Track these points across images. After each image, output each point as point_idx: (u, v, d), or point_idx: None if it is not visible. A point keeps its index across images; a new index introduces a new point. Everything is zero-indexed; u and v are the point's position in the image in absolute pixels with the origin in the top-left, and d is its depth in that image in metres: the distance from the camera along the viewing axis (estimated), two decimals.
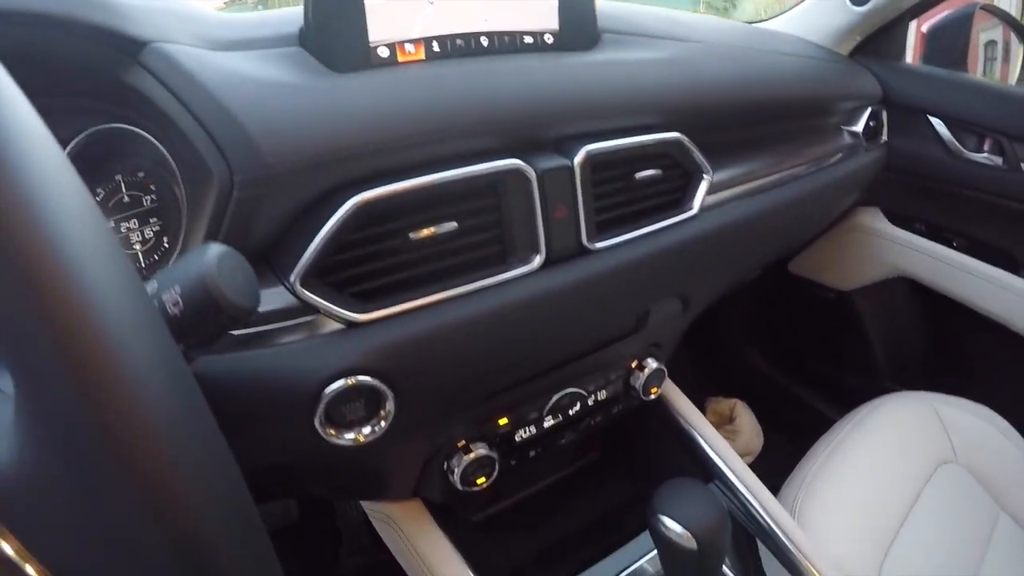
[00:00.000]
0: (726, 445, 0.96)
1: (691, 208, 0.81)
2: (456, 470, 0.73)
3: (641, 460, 0.77)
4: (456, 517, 0.81)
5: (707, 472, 0.94)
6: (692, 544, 0.65)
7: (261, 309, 0.55)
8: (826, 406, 1.67)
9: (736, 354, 1.94)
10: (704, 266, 0.86)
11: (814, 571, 0.88)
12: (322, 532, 1.41)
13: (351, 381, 0.55)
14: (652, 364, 0.86)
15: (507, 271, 0.65)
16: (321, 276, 0.56)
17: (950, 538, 1.12)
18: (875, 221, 1.53)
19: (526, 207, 0.65)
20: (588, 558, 0.85)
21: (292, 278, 0.54)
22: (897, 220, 1.51)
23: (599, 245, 0.71)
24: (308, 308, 0.56)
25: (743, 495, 0.92)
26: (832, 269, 1.66)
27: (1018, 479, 1.24)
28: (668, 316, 0.86)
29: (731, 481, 0.93)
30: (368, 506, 0.83)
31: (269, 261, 0.57)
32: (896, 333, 1.67)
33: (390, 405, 0.59)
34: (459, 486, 0.73)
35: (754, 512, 0.91)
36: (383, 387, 0.58)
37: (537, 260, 0.67)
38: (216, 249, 0.39)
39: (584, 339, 0.77)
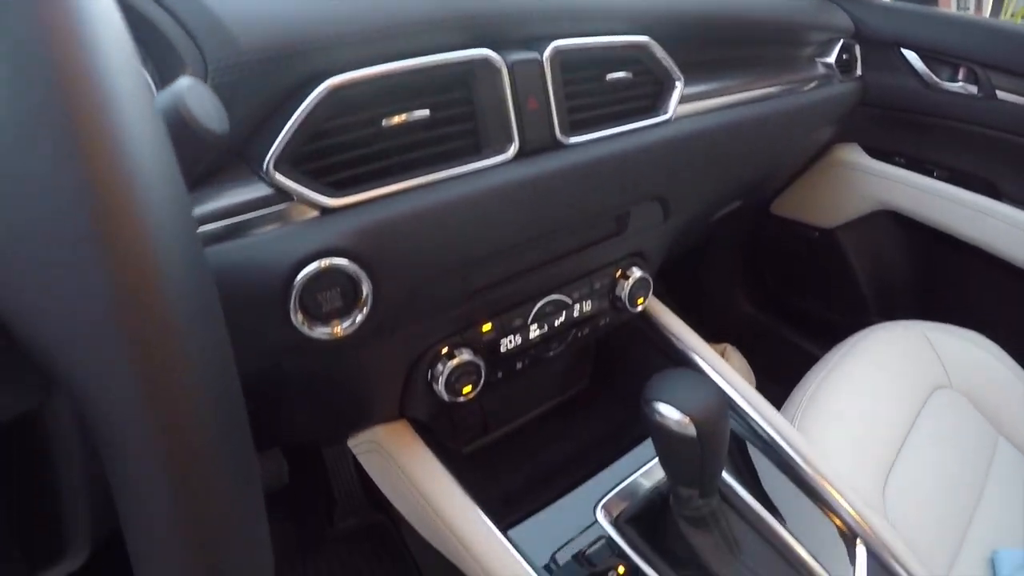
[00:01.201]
0: (720, 360, 0.97)
1: (665, 112, 0.82)
2: (440, 378, 0.72)
3: (633, 385, 0.78)
4: (446, 449, 0.81)
5: None
6: (691, 431, 0.64)
7: (234, 200, 0.55)
8: (815, 345, 1.69)
9: (724, 299, 1.95)
10: (680, 171, 0.86)
11: (824, 483, 0.88)
12: (315, 495, 1.42)
13: (324, 264, 0.56)
14: (637, 273, 0.87)
15: (481, 160, 0.66)
16: (296, 165, 0.57)
17: (951, 462, 1.13)
18: (855, 156, 1.55)
19: (497, 97, 0.66)
20: (579, 478, 0.85)
21: (266, 163, 0.55)
22: (876, 155, 1.53)
23: (573, 140, 0.73)
24: (282, 195, 0.57)
25: (741, 408, 0.93)
26: (814, 207, 1.68)
27: (1015, 404, 1.25)
28: (649, 223, 0.87)
29: (729, 396, 0.94)
30: (354, 442, 0.84)
31: (244, 155, 0.57)
32: (881, 267, 1.69)
33: (366, 289, 0.59)
34: (444, 396, 0.73)
35: (755, 425, 0.92)
36: (358, 270, 0.58)
37: (511, 149, 0.68)
38: (186, 79, 0.40)
39: (563, 235, 0.78)
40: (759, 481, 0.87)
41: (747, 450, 0.90)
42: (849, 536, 0.84)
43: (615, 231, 0.83)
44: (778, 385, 1.20)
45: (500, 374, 0.79)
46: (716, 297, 1.94)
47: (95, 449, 0.40)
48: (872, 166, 1.53)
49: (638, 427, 0.88)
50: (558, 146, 0.72)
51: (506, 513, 0.78)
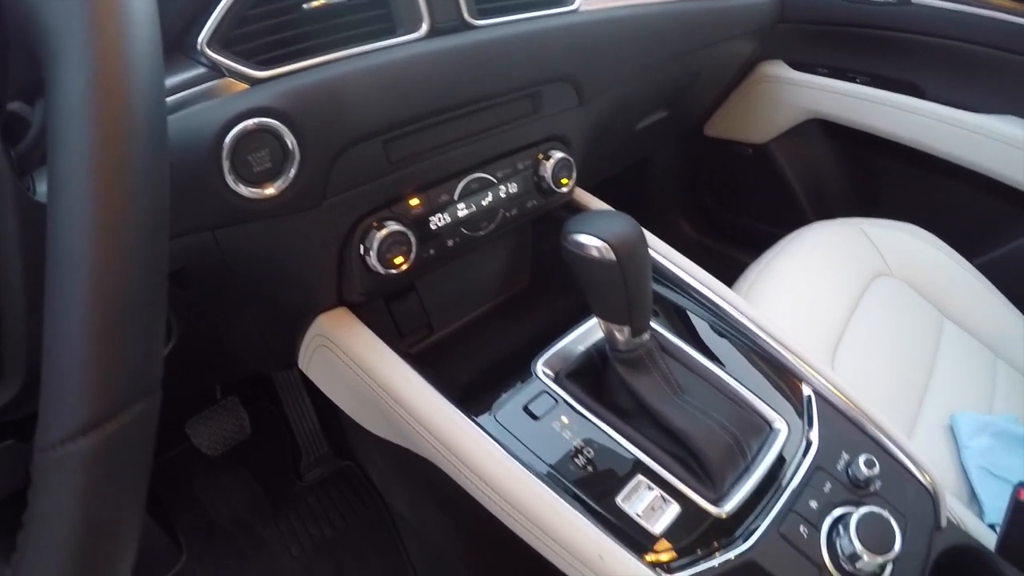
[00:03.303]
0: (658, 240, 1.05)
1: (571, 3, 0.94)
2: (372, 251, 0.80)
3: (572, 280, 0.87)
4: (394, 345, 0.88)
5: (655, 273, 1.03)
6: (610, 255, 0.70)
7: (172, 82, 0.65)
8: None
9: (666, 227, 2.08)
10: (588, 52, 0.98)
11: (772, 342, 0.95)
12: (280, 450, 1.51)
13: (252, 124, 0.65)
14: (558, 154, 0.97)
15: (395, 38, 0.77)
16: (226, 47, 0.67)
17: (899, 340, 1.24)
18: (780, 71, 1.69)
19: None
20: (522, 355, 0.92)
21: (199, 43, 0.65)
22: (800, 68, 1.67)
23: (481, 22, 0.84)
24: (214, 72, 0.67)
25: (689, 284, 1.01)
26: (746, 125, 1.82)
27: (957, 287, 1.38)
28: (565, 106, 0.98)
29: (674, 273, 1.02)
30: (301, 358, 0.93)
31: (180, 46, 0.68)
32: (815, 174, 1.82)
33: (291, 143, 0.68)
34: (379, 267, 0.81)
35: (699, 296, 1.00)
36: (283, 128, 0.67)
37: (423, 28, 0.79)
38: None
39: (481, 113, 0.88)
40: (705, 345, 0.95)
41: (691, 320, 0.99)
42: (797, 384, 0.92)
43: (531, 110, 0.94)
44: None
45: (432, 251, 0.88)
46: (660, 226, 2.06)
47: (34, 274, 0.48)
48: (797, 78, 1.66)
49: (577, 310, 0.96)
50: (467, 27, 0.83)
51: (455, 391, 0.86)
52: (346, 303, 0.88)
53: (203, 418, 1.47)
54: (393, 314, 0.98)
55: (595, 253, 0.71)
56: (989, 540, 0.88)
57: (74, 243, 0.35)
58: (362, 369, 0.85)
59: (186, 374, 0.89)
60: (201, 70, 0.67)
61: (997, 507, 0.99)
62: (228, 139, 0.64)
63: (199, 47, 0.65)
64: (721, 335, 0.97)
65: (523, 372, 0.89)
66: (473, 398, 0.85)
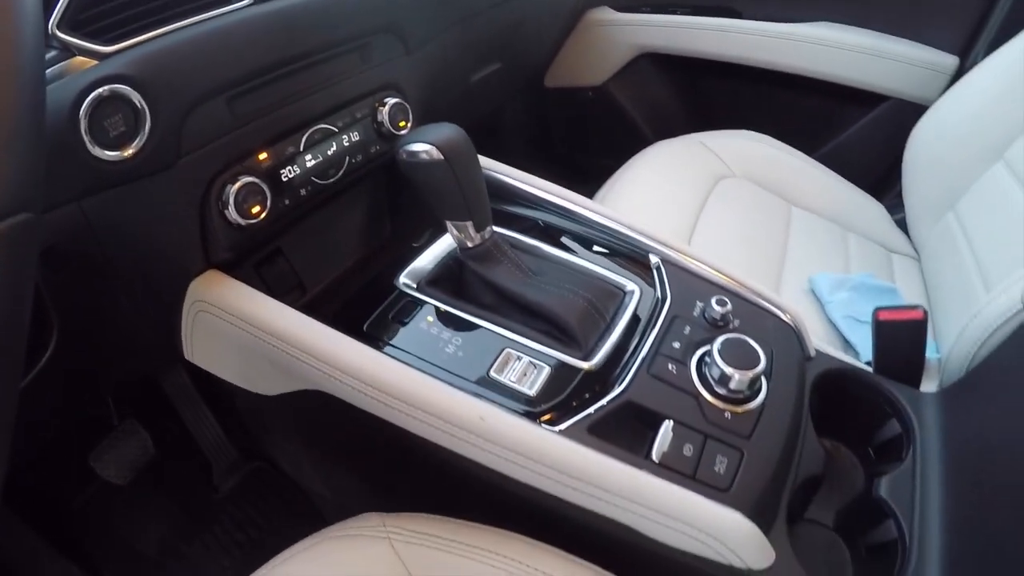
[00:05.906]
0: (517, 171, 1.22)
1: None
2: (229, 204, 0.92)
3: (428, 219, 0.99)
4: None
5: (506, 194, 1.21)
6: (437, 155, 0.86)
7: None
8: None
9: None
10: (407, 5, 1.15)
11: (620, 227, 1.11)
12: (188, 466, 1.60)
13: (104, 91, 0.78)
14: (392, 100, 1.12)
15: (227, 6, 0.92)
16: (75, 29, 0.80)
17: (749, 230, 1.42)
18: (606, 15, 1.92)
19: None
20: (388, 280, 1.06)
21: (50, 27, 0.78)
22: (625, 10, 1.90)
23: None
24: (66, 52, 0.80)
25: (541, 197, 1.18)
26: (582, 70, 2.04)
27: (798, 177, 1.59)
28: (392, 55, 1.15)
29: (524, 190, 1.19)
30: (184, 343, 1.04)
31: None
32: (653, 105, 2.06)
33: (139, 102, 0.81)
34: (239, 219, 0.93)
35: (551, 205, 1.17)
36: (132, 91, 0.80)
37: None
38: None
39: (315, 67, 1.03)
40: (556, 239, 1.12)
41: (544, 223, 1.15)
42: (646, 257, 1.08)
43: (360, 61, 1.10)
44: None
45: (287, 201, 1.01)
46: None
47: None
48: (623, 19, 1.89)
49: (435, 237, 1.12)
50: None
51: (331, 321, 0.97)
52: (214, 264, 0.99)
53: (105, 447, 1.52)
54: (264, 279, 1.08)
55: (425, 157, 0.87)
56: None
57: None
58: (238, 316, 0.96)
59: (73, 378, 0.98)
60: (54, 52, 0.79)
61: (870, 346, 1.07)
62: (83, 108, 0.77)
63: (51, 31, 0.78)
64: (572, 232, 1.14)
65: (389, 291, 1.04)
66: (347, 323, 0.97)
